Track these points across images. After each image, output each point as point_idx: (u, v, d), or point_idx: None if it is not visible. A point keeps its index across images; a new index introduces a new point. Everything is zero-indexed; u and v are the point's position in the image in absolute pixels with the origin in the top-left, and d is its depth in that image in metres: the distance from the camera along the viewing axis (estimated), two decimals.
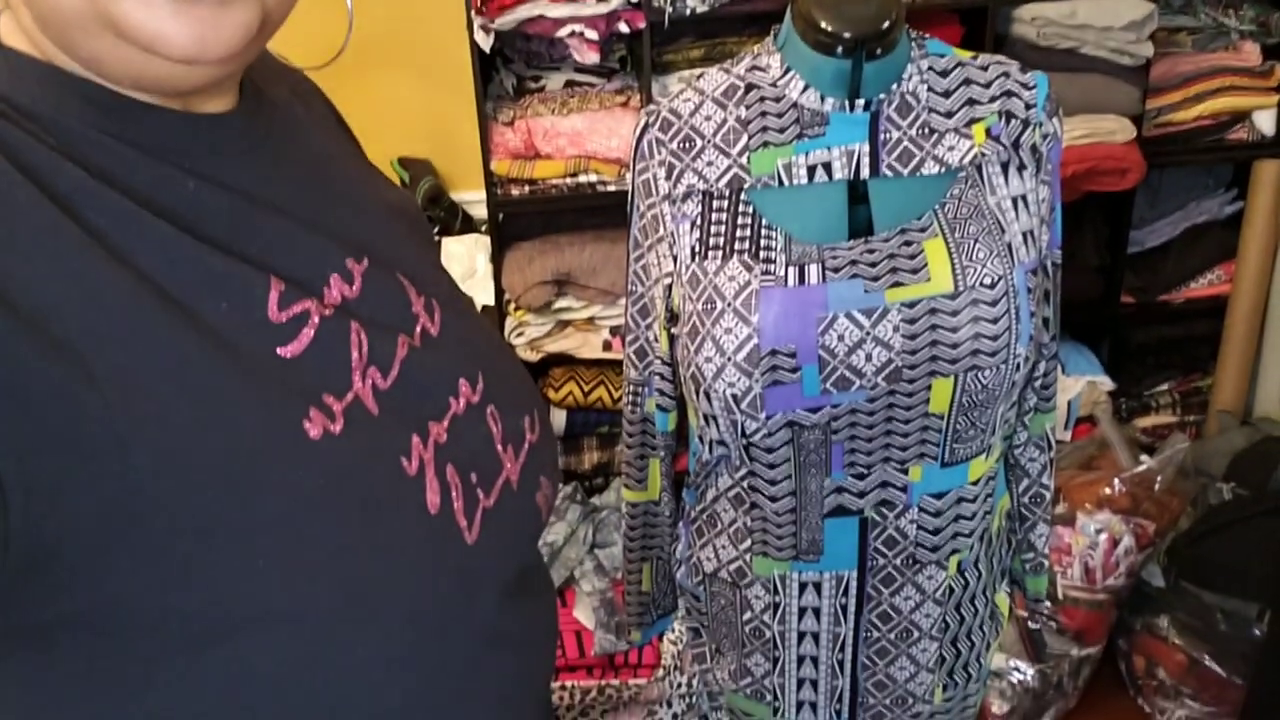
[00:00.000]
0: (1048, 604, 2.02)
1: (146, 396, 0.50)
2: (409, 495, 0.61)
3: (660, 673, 2.02)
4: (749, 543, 1.09)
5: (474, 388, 0.69)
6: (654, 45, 2.07)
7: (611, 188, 2.14)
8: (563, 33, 2.03)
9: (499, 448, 0.69)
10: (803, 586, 1.09)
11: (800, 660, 1.13)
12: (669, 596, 1.28)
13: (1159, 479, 2.11)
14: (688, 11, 2.04)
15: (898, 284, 0.97)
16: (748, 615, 1.13)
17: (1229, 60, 2.26)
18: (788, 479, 1.03)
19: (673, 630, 2.03)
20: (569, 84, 2.16)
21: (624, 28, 2.04)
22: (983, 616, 1.15)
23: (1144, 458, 2.17)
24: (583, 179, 2.13)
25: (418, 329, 0.68)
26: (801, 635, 1.11)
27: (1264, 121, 2.28)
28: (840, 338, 0.96)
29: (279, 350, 0.58)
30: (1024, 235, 1.01)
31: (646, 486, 1.20)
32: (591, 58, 2.08)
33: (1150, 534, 2.07)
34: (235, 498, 0.53)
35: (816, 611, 1.10)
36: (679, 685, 1.98)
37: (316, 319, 0.60)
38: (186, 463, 0.51)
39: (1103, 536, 2.03)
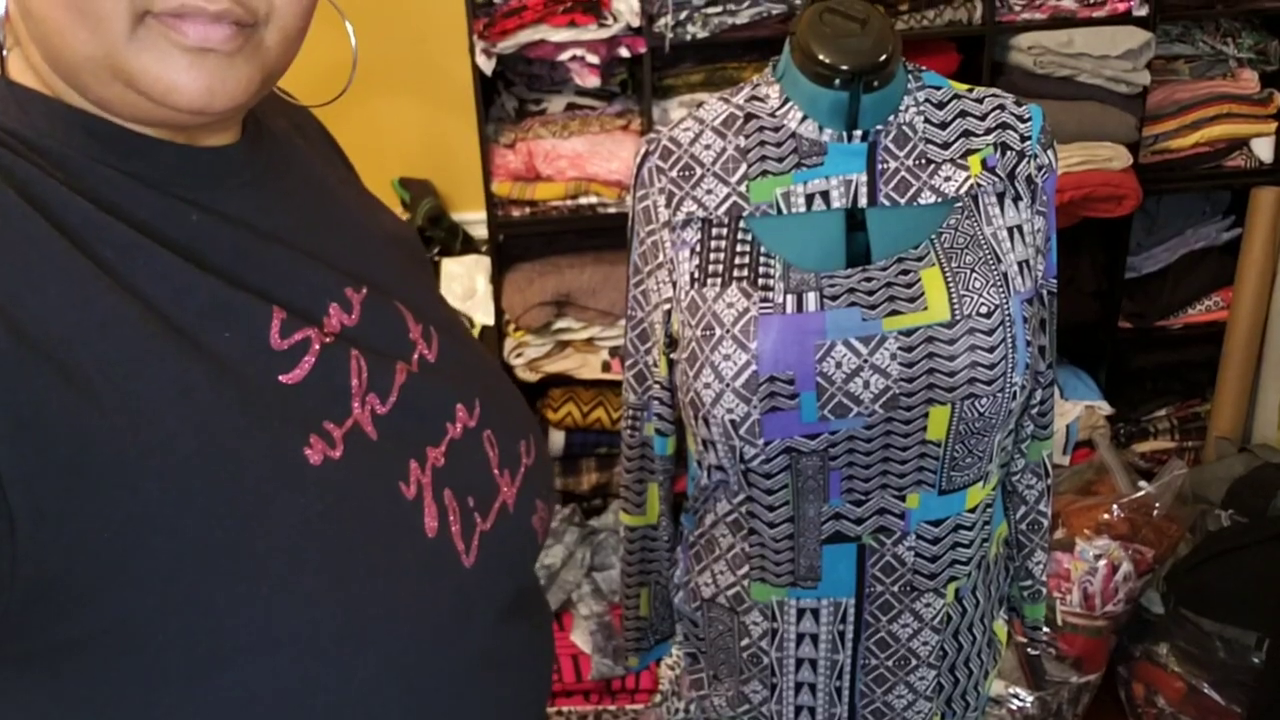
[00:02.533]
0: (1047, 630, 2.01)
1: (153, 424, 0.51)
2: (407, 519, 0.62)
3: (658, 698, 2.01)
4: (747, 568, 1.08)
5: (470, 413, 0.70)
6: (655, 69, 2.09)
7: (611, 210, 2.15)
8: (564, 56, 2.04)
9: (495, 472, 0.70)
10: (800, 613, 1.08)
11: (798, 688, 1.12)
12: (667, 622, 1.28)
13: (1157, 505, 2.10)
14: (688, 37, 2.05)
15: (895, 312, 0.97)
16: (745, 641, 1.12)
17: (1227, 88, 2.27)
18: (786, 505, 1.03)
19: (671, 655, 2.02)
20: (570, 107, 2.17)
21: (625, 52, 2.05)
22: (980, 644, 1.15)
23: (1142, 483, 2.17)
24: (583, 201, 2.14)
25: (415, 355, 0.69)
26: (799, 662, 1.11)
27: (1262, 148, 2.30)
28: (838, 365, 0.97)
29: (281, 378, 0.59)
30: (1020, 265, 1.02)
31: (645, 511, 1.20)
32: (592, 81, 2.09)
33: (1149, 560, 2.06)
34: (239, 524, 0.54)
35: (814, 638, 1.09)
36: (676, 711, 1.97)
37: (317, 346, 0.62)
38: (191, 490, 0.52)
39: (1102, 562, 2.02)
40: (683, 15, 2.04)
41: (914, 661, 1.10)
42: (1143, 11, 2.14)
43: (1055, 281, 1.09)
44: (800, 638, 1.10)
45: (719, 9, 2.04)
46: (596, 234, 2.21)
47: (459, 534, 0.65)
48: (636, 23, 2.03)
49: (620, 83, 2.19)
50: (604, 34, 2.02)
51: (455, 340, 0.75)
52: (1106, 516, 2.08)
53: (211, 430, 0.54)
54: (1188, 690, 2.01)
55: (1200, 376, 2.47)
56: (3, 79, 0.58)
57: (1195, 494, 2.17)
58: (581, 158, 2.10)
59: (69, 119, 0.57)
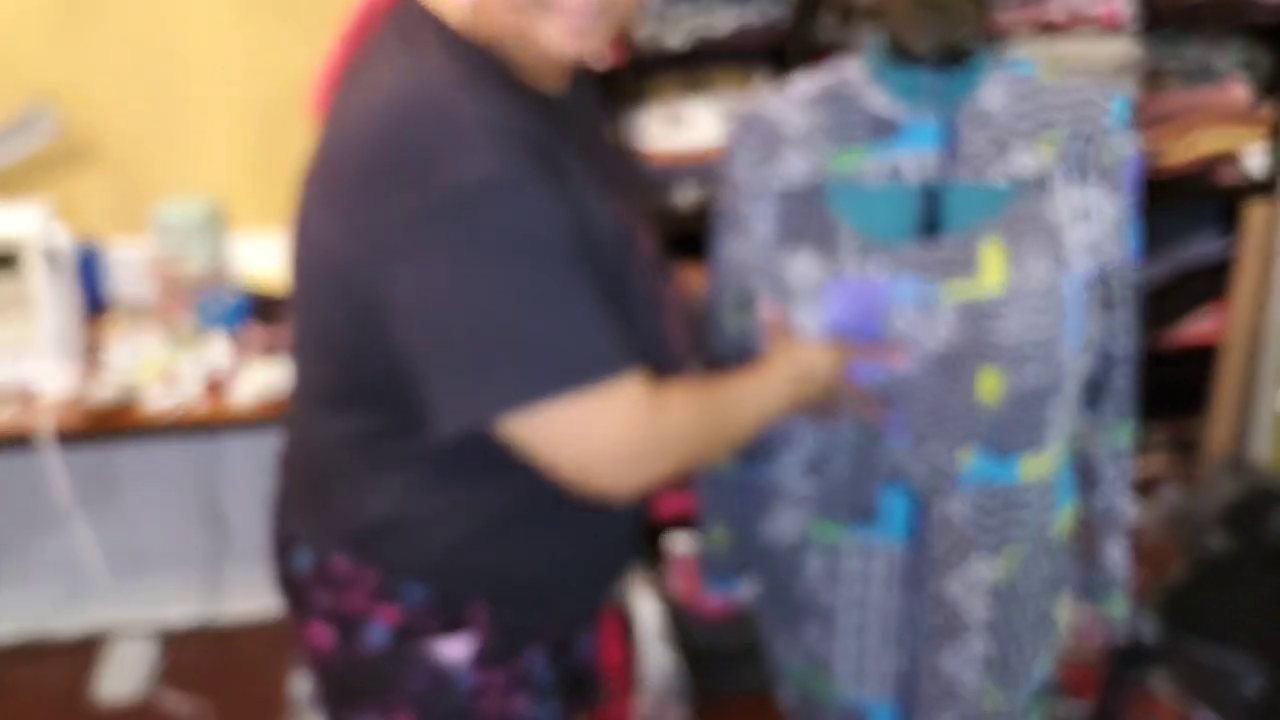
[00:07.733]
0: None
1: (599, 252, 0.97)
2: (667, 357, 1.05)
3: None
4: (808, 508, 1.17)
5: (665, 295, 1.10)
6: (633, 78, 2.09)
7: None
8: None
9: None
10: (856, 553, 1.15)
11: (854, 631, 1.18)
12: (741, 556, 1.32)
13: (1150, 527, 2.08)
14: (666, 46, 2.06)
15: (954, 284, 1.05)
16: (801, 583, 1.20)
17: (1216, 100, 2.26)
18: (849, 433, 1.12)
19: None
20: None
21: None
22: (1032, 621, 1.19)
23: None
24: None
25: (640, 245, 1.06)
26: (853, 606, 1.17)
27: (1253, 162, 2.29)
28: (900, 330, 1.06)
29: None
30: (1083, 246, 1.07)
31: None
32: None
33: (1141, 584, 2.03)
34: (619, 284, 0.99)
35: (867, 581, 1.16)
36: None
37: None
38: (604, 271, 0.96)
39: None
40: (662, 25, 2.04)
41: (964, 624, 1.15)
42: (1132, 23, 2.14)
43: (1137, 262, 1.14)
44: (854, 579, 1.16)
45: (698, 20, 2.06)
46: None
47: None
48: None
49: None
50: None
51: (649, 237, 1.09)
52: None
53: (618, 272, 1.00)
54: (1182, 719, 1.97)
55: (1194, 394, 2.46)
56: (465, 43, 0.94)
57: (1189, 515, 2.15)
58: None
59: (508, 79, 0.95)
